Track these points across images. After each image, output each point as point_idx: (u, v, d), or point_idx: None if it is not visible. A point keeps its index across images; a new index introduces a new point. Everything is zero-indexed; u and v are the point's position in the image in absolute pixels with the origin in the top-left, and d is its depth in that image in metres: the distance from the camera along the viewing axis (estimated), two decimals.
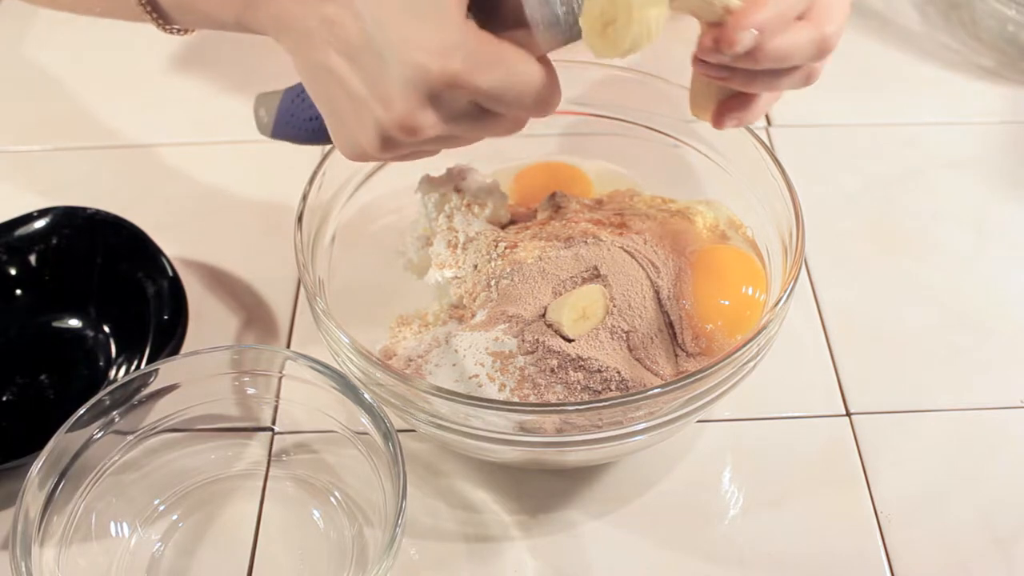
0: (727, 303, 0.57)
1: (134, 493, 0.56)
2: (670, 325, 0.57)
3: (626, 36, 0.42)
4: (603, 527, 0.57)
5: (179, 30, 0.55)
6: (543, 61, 0.46)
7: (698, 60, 0.47)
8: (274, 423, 0.61)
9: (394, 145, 0.47)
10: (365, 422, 0.54)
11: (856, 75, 0.86)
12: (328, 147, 0.60)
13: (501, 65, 0.44)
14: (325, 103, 0.48)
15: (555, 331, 0.56)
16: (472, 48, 0.43)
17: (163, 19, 0.54)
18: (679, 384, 0.49)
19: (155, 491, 0.57)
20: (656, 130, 0.65)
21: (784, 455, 0.60)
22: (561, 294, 0.57)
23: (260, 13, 0.49)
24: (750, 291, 0.58)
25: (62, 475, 0.52)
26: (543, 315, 0.56)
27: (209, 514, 0.57)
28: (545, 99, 0.46)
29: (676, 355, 0.56)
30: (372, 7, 0.44)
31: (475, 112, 0.46)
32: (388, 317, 0.62)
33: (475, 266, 0.59)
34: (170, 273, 0.65)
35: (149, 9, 0.53)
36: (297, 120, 0.57)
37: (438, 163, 0.63)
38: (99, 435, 0.54)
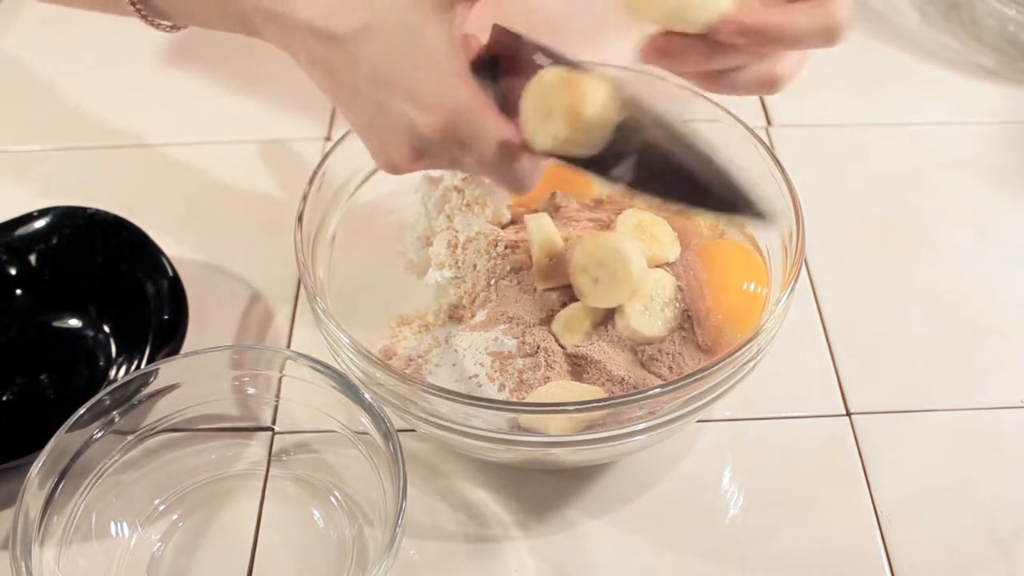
0: (730, 297, 0.57)
1: (134, 493, 0.56)
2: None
3: None
4: (603, 527, 0.57)
5: (169, 27, 0.55)
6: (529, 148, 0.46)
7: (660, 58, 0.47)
8: (274, 423, 0.61)
9: (401, 171, 0.49)
10: (365, 422, 0.54)
11: (856, 75, 0.86)
12: (330, 145, 0.61)
13: (482, 137, 0.45)
14: (342, 114, 0.50)
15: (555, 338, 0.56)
16: (461, 110, 0.44)
17: (153, 14, 0.54)
18: (679, 384, 0.49)
19: (155, 491, 0.57)
20: None
21: (784, 455, 0.60)
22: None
23: (264, 36, 0.50)
24: (752, 287, 0.58)
25: (62, 475, 0.52)
26: (543, 321, 0.57)
27: (209, 514, 0.57)
28: (516, 183, 0.47)
29: (680, 353, 0.56)
30: (367, 52, 0.45)
31: (458, 162, 0.48)
32: (388, 317, 0.62)
33: (475, 266, 0.59)
34: (170, 273, 0.65)
35: (139, 7, 0.53)
36: None
37: None
38: (99, 435, 0.54)
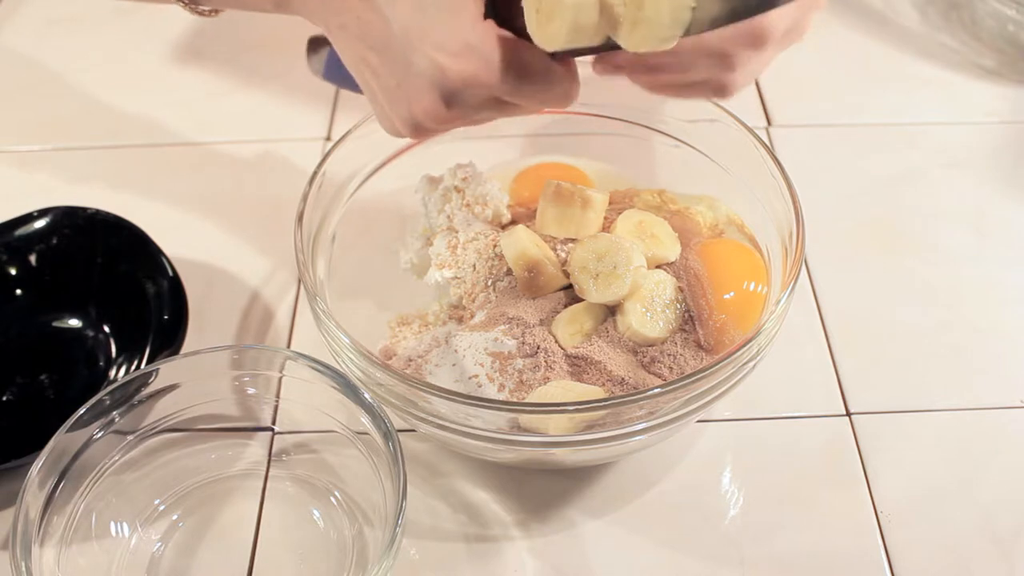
0: (731, 295, 0.57)
1: (134, 493, 0.56)
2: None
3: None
4: (603, 527, 0.57)
5: (209, 11, 0.56)
6: (559, 57, 0.47)
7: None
8: (274, 423, 0.61)
9: (425, 130, 0.50)
10: (365, 422, 0.54)
11: (856, 75, 0.86)
12: (330, 145, 0.61)
13: (515, 65, 0.46)
14: (364, 87, 0.51)
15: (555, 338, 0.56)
16: (488, 49, 0.45)
17: (192, 0, 0.55)
18: (679, 384, 0.49)
19: (155, 491, 0.57)
20: (656, 130, 0.65)
21: (784, 455, 0.60)
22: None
23: (294, 6, 0.51)
24: (752, 285, 0.58)
25: (62, 475, 0.52)
26: (543, 321, 0.56)
27: (209, 514, 0.57)
28: (561, 94, 0.48)
29: (680, 355, 0.56)
30: (396, 9, 0.46)
31: (495, 103, 0.48)
32: (388, 317, 0.62)
33: (475, 266, 0.59)
34: (170, 273, 0.65)
35: None
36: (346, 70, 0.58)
37: (438, 163, 0.63)
38: (99, 435, 0.54)
